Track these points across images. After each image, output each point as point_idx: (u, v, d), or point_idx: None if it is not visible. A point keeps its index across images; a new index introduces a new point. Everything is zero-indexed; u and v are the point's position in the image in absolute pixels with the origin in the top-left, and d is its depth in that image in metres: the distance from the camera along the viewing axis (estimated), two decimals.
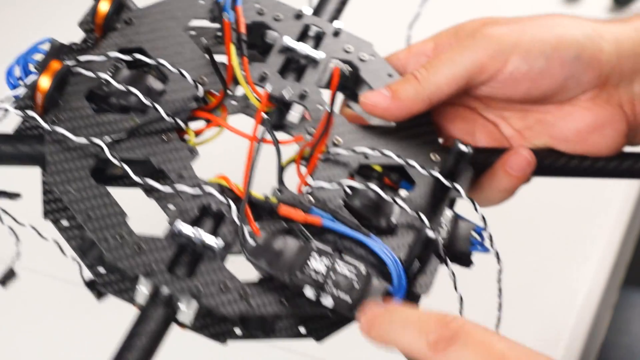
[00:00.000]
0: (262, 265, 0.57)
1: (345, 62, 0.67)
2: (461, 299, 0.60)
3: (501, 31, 0.64)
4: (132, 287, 0.57)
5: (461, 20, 0.68)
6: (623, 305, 0.99)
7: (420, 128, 0.65)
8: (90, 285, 0.62)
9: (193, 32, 0.67)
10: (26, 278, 0.90)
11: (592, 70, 0.64)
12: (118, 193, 0.61)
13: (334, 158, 0.63)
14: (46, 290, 0.92)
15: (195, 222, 0.58)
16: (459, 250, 0.60)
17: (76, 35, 0.65)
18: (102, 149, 0.59)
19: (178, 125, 0.61)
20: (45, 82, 0.59)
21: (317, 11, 0.72)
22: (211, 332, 0.59)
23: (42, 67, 0.59)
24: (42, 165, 0.60)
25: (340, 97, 0.69)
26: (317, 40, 0.68)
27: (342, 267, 0.56)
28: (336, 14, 0.72)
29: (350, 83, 0.68)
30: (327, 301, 0.56)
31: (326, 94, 0.65)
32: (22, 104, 0.60)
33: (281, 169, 0.62)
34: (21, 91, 0.60)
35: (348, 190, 0.61)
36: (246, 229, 0.58)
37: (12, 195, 0.63)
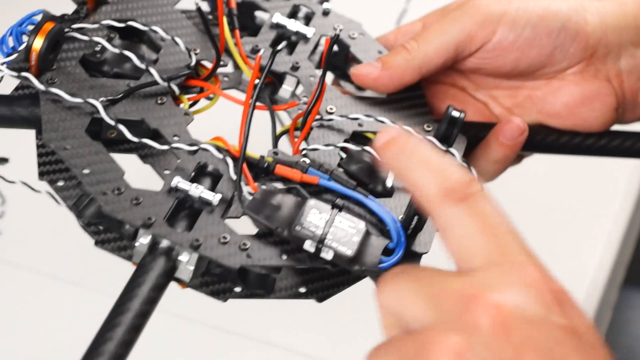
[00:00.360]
0: (260, 220, 0.56)
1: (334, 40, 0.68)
2: None
3: (488, 2, 0.65)
4: (130, 245, 0.57)
5: None
6: (623, 305, 0.99)
7: (412, 101, 0.66)
8: (87, 227, 0.63)
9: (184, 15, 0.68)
10: (27, 278, 0.90)
11: (578, 41, 0.65)
12: None
13: (327, 124, 0.63)
14: (47, 290, 0.92)
15: (192, 181, 0.58)
16: None
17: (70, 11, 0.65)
18: (97, 109, 0.59)
19: (172, 90, 0.62)
20: (38, 43, 0.59)
21: None
22: (211, 290, 0.58)
23: (35, 31, 0.59)
24: (36, 127, 0.60)
25: (330, 77, 0.69)
26: (307, 21, 0.69)
27: (341, 222, 0.56)
28: None
29: (340, 62, 0.69)
30: (327, 254, 0.55)
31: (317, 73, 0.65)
32: (16, 66, 0.60)
33: (275, 133, 0.62)
34: (14, 57, 0.60)
35: (343, 154, 0.61)
36: (243, 185, 0.58)
37: (1, 160, 0.64)
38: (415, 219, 0.57)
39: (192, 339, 0.88)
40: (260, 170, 0.60)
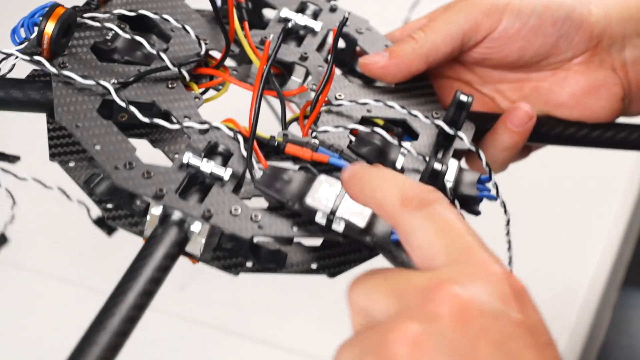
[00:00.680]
0: (271, 193, 0.57)
1: (342, 34, 0.68)
2: None
3: None
4: (141, 221, 0.58)
5: None
6: (623, 305, 0.99)
7: (420, 90, 0.66)
8: (98, 222, 0.63)
9: None
10: (30, 280, 0.90)
11: (583, 31, 0.65)
12: None
13: (336, 110, 0.63)
14: (50, 291, 0.92)
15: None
16: (466, 194, 0.60)
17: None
18: (108, 90, 0.59)
19: (182, 75, 0.62)
20: (50, 26, 0.59)
21: None
22: (223, 264, 0.59)
23: (47, 15, 0.60)
24: (48, 110, 0.60)
25: (338, 73, 0.70)
26: (314, 17, 0.70)
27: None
28: None
29: (348, 58, 0.69)
30: (339, 226, 0.55)
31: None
32: (28, 50, 0.60)
33: (285, 119, 0.62)
34: (27, 44, 0.61)
35: (352, 137, 0.62)
36: (254, 163, 0.58)
37: (12, 158, 0.64)
38: None
39: (192, 339, 0.88)
40: (271, 149, 0.60)
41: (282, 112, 0.63)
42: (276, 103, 0.69)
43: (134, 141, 0.59)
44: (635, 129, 0.68)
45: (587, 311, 0.94)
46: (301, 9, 0.70)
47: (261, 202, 0.58)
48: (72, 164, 0.59)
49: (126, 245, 0.93)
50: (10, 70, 0.60)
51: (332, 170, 0.59)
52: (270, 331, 0.88)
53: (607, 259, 0.97)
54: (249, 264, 0.59)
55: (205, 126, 0.59)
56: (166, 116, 0.60)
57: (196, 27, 0.65)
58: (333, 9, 0.70)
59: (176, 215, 0.56)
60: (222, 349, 0.88)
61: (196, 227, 0.56)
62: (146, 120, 0.59)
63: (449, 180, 0.60)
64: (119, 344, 0.50)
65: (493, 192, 0.61)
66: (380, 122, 0.64)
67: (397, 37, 0.70)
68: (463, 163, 0.66)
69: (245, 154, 0.59)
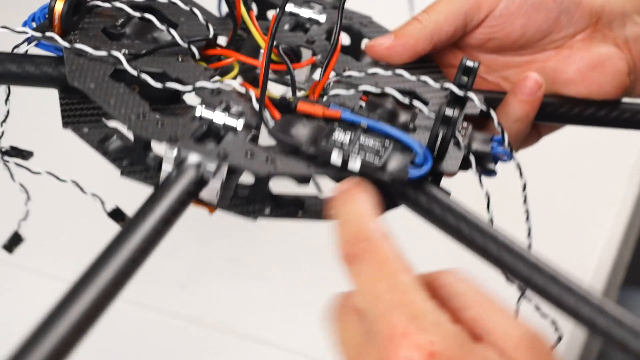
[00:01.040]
0: (286, 139, 0.57)
1: (346, 27, 0.70)
2: (488, 199, 0.61)
3: None
4: (156, 175, 0.59)
5: None
6: (623, 305, 0.99)
7: (427, 69, 0.67)
8: (112, 215, 0.64)
9: None
10: (30, 280, 0.90)
11: (583, 7, 0.67)
12: None
13: (345, 80, 0.64)
14: (46, 290, 0.92)
15: None
16: (479, 151, 0.60)
17: None
18: (119, 60, 0.60)
19: (192, 52, 0.63)
20: (60, 4, 0.61)
21: None
22: (241, 210, 0.59)
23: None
24: (60, 85, 0.61)
25: None
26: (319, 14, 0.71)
27: (367, 140, 0.57)
28: None
29: (353, 54, 0.70)
30: (355, 164, 0.56)
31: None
32: (39, 29, 0.61)
33: (295, 86, 0.63)
34: (37, 26, 0.62)
35: (362, 103, 0.62)
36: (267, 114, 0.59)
37: (25, 154, 0.65)
38: (439, 139, 0.57)
39: (191, 339, 0.88)
40: (282, 108, 0.60)
41: (292, 82, 0.63)
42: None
43: None
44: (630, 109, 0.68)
45: None
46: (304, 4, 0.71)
47: None
48: (85, 130, 0.60)
49: None
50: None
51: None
52: (270, 331, 0.88)
53: (607, 259, 0.97)
54: (267, 210, 0.59)
55: (217, 85, 0.60)
56: (177, 82, 0.61)
57: (203, 13, 0.66)
58: (336, 7, 0.70)
59: (191, 159, 0.56)
60: (222, 349, 0.88)
61: (211, 167, 0.56)
62: (158, 85, 0.60)
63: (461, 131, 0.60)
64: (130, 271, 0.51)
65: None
66: None
67: None
68: None
69: (257, 104, 0.59)
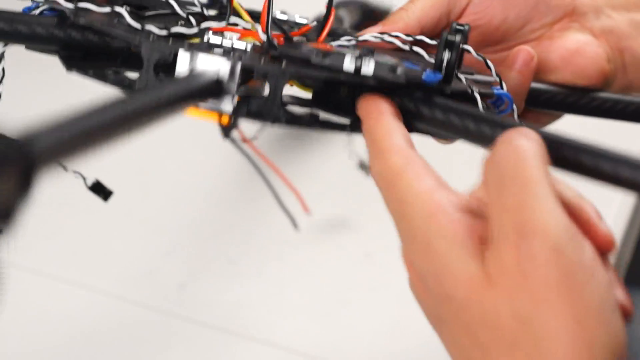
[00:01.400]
0: (295, 53, 0.58)
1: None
2: None
3: None
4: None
5: None
6: None
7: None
8: (94, 188, 0.65)
9: None
10: (29, 279, 0.91)
11: None
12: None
13: (339, 50, 0.64)
14: (46, 290, 0.92)
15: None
16: (482, 92, 0.60)
17: None
18: (122, 15, 0.61)
19: (190, 22, 0.63)
20: None
21: None
22: (256, 117, 0.60)
23: None
24: (61, 43, 0.62)
25: None
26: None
27: (378, 57, 0.57)
28: None
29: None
30: (368, 68, 0.56)
31: None
32: None
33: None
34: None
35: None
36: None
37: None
38: (444, 64, 0.58)
39: (191, 339, 0.88)
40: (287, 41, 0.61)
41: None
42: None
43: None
44: (622, 100, 0.70)
45: None
46: None
47: None
48: (91, 73, 0.61)
49: (127, 245, 0.94)
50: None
51: None
52: (269, 331, 0.88)
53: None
54: (284, 119, 0.59)
55: (223, 24, 0.62)
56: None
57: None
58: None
59: (205, 63, 0.57)
60: (222, 349, 0.88)
61: (225, 66, 0.57)
62: (164, 32, 0.60)
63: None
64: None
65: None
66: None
67: None
68: None
69: (264, 38, 0.59)
